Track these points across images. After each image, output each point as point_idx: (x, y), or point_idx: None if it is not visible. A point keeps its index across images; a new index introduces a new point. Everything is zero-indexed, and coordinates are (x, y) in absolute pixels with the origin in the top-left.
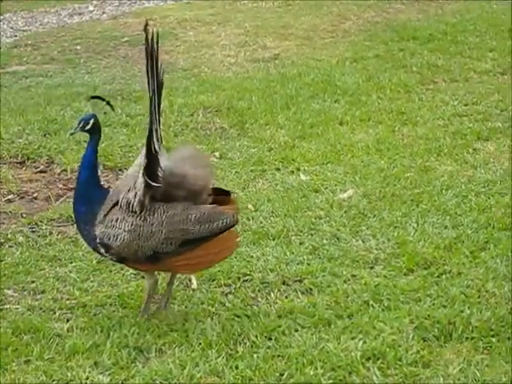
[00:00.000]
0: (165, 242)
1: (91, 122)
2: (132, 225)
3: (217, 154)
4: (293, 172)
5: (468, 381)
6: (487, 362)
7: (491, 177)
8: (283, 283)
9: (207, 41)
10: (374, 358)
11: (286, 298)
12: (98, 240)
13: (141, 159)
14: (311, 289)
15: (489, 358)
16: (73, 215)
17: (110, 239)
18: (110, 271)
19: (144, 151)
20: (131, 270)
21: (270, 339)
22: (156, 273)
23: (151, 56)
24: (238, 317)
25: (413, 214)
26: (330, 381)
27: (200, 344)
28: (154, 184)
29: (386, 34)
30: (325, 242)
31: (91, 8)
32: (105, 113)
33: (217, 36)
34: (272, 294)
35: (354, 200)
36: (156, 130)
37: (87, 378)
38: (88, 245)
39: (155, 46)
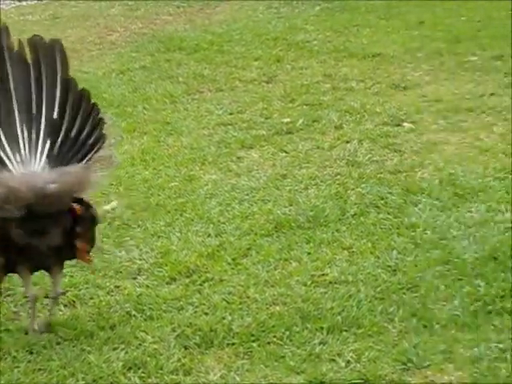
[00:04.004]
0: None
1: None
2: None
3: None
4: None
5: None
6: (248, 366)
7: (254, 184)
8: (46, 297)
9: None
10: (136, 368)
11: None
12: None
13: None
14: (74, 301)
15: (249, 362)
16: None
17: None
18: None
19: None
20: None
21: (32, 353)
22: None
23: None
24: None
25: (176, 224)
26: None
27: None
28: None
29: (152, 46)
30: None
31: None
32: None
33: None
34: None
35: (118, 211)
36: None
37: None
38: None
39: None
